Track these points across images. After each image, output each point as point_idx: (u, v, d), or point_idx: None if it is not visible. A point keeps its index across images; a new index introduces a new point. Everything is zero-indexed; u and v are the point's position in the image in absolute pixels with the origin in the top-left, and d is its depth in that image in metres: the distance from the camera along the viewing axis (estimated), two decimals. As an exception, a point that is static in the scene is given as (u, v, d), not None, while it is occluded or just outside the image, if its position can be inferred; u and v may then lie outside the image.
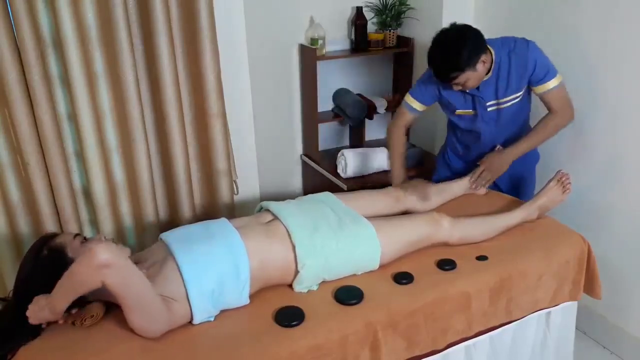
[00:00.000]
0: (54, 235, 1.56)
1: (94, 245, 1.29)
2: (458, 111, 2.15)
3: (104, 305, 1.51)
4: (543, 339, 1.96)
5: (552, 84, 2.01)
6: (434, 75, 1.96)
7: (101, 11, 1.92)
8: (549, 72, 2.01)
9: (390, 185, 2.16)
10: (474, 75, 1.93)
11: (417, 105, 2.17)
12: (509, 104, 2.08)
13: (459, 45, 1.85)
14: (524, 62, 1.98)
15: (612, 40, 2.10)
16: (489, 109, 2.10)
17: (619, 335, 2.31)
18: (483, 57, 1.91)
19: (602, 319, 2.36)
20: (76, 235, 1.55)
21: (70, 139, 2.10)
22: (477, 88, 2.04)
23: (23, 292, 1.46)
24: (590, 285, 1.94)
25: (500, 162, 2.12)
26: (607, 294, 2.02)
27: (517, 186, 2.33)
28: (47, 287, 1.40)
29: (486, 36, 1.94)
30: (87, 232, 2.23)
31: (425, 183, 2.13)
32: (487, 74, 2.00)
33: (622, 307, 2.28)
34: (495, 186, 2.30)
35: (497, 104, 2.09)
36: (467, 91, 2.04)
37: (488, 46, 1.96)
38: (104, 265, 1.28)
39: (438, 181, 2.36)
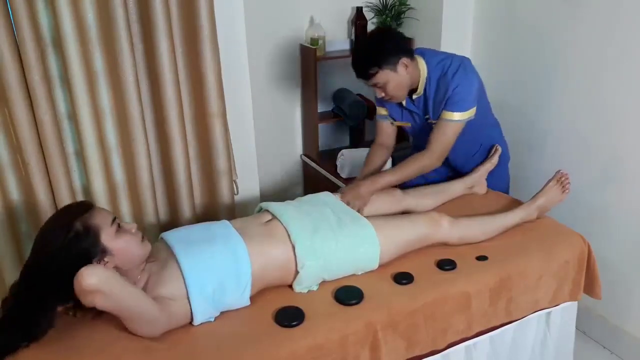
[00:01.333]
0: (87, 207, 1.46)
1: (83, 269, 1.27)
2: (396, 122, 2.16)
3: None
4: (543, 339, 1.96)
5: (456, 116, 1.92)
6: (356, 76, 1.94)
7: (101, 11, 1.91)
8: (457, 104, 1.91)
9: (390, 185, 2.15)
10: (395, 78, 1.89)
11: (384, 112, 2.15)
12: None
13: (378, 41, 1.87)
14: (446, 88, 1.93)
15: (612, 40, 2.11)
16: (427, 121, 2.08)
17: (619, 335, 2.31)
18: (405, 60, 1.88)
19: (602, 319, 2.36)
20: (113, 219, 1.46)
21: (70, 138, 2.10)
22: (413, 102, 2.03)
23: (42, 267, 1.38)
24: (590, 285, 1.94)
25: (362, 191, 1.94)
26: (607, 294, 2.02)
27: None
28: (69, 267, 1.34)
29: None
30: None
31: (358, 190, 1.96)
32: (416, 90, 1.98)
33: (622, 307, 2.28)
34: None
35: (430, 119, 2.07)
36: (403, 104, 2.04)
37: (418, 56, 1.95)
38: (90, 291, 1.28)
39: (410, 186, 2.32)
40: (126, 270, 1.47)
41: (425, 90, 2.00)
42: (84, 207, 1.46)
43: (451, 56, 1.98)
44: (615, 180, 2.21)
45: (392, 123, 2.18)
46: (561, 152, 2.36)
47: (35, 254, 1.42)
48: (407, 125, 2.15)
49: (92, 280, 1.27)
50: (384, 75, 1.89)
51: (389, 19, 2.89)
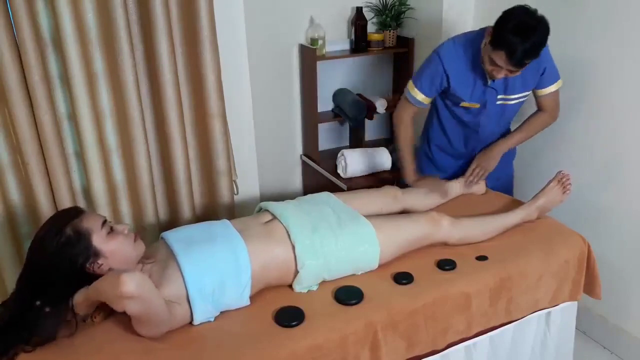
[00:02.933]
0: (77, 213, 1.48)
1: (123, 275, 1.28)
2: (464, 103, 2.10)
3: None
4: (543, 339, 1.96)
5: (553, 88, 2.07)
6: (505, 60, 1.81)
7: (101, 11, 1.92)
8: (554, 77, 2.05)
9: (389, 184, 2.15)
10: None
11: (422, 98, 2.09)
12: (515, 101, 2.09)
13: (543, 36, 1.79)
14: (537, 64, 1.97)
15: (611, 40, 2.10)
16: (497, 102, 2.09)
17: (619, 335, 2.31)
18: None
19: (602, 319, 2.36)
20: (104, 222, 1.47)
21: (70, 139, 2.10)
22: (493, 80, 2.01)
23: (37, 274, 1.40)
24: (590, 285, 1.94)
25: (492, 156, 2.16)
26: (607, 294, 2.02)
27: (494, 179, 2.30)
28: (63, 273, 1.38)
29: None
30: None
31: (439, 180, 2.13)
32: None
33: (622, 307, 2.28)
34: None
35: (504, 99, 2.09)
36: (488, 83, 2.02)
37: None
38: (129, 297, 1.29)
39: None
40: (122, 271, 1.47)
41: None
42: (74, 213, 1.48)
43: None
44: (615, 180, 2.21)
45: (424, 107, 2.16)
46: (561, 152, 2.36)
47: (30, 262, 1.44)
48: (475, 106, 2.10)
49: (131, 286, 1.28)
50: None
51: (388, 19, 2.89)
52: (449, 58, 2.02)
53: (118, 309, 1.34)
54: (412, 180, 2.18)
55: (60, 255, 1.39)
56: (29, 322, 1.36)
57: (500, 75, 1.89)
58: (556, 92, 2.10)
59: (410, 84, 2.12)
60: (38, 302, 1.36)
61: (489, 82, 2.02)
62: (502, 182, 2.35)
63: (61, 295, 1.38)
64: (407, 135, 2.19)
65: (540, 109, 2.16)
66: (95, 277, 1.42)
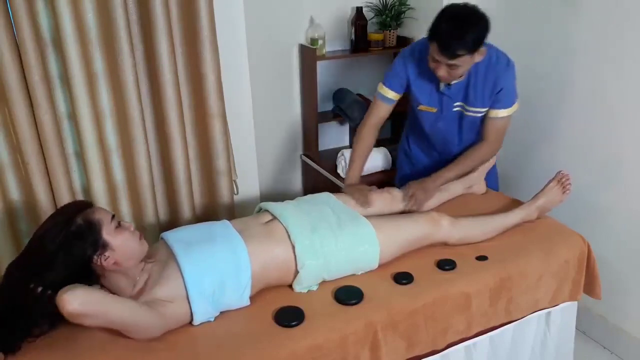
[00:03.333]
0: (87, 205, 1.49)
1: (65, 295, 1.25)
2: (421, 107, 2.12)
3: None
4: (543, 339, 1.96)
5: (503, 112, 2.01)
6: (436, 50, 1.82)
7: (101, 11, 1.91)
8: (508, 101, 1.99)
9: (389, 184, 2.16)
10: (467, 64, 1.86)
11: (391, 95, 2.10)
12: (472, 114, 2.06)
13: (475, 23, 1.78)
14: (494, 82, 1.95)
15: (611, 40, 2.11)
16: (453, 109, 2.08)
17: (619, 335, 2.31)
18: (482, 49, 1.85)
19: (602, 319, 2.36)
20: (113, 216, 1.48)
21: (70, 139, 2.10)
22: (449, 87, 2.01)
23: (41, 261, 1.38)
24: (590, 285, 1.94)
25: (426, 188, 2.03)
26: (607, 294, 2.02)
27: None
28: (70, 261, 1.37)
29: (488, 37, 1.93)
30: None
31: (365, 190, 2.01)
32: (461, 75, 1.95)
33: (622, 307, 2.28)
34: None
35: (463, 107, 2.07)
36: (440, 88, 2.02)
37: None
38: (74, 315, 1.28)
39: (403, 178, 2.33)
40: (126, 268, 1.47)
41: (469, 76, 1.98)
42: (84, 205, 1.49)
43: (495, 47, 1.99)
44: (615, 180, 2.21)
45: (392, 106, 2.14)
46: (561, 153, 2.36)
47: (33, 250, 1.42)
48: (432, 110, 2.11)
49: (74, 305, 1.26)
50: (465, 60, 1.82)
51: (388, 19, 2.89)
52: (410, 59, 2.05)
53: (77, 323, 1.31)
54: (346, 185, 2.12)
55: (70, 244, 1.39)
56: (31, 309, 1.36)
57: (441, 71, 1.88)
58: (505, 120, 2.02)
59: (380, 85, 2.13)
60: (40, 288, 1.36)
61: (442, 86, 2.02)
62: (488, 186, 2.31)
63: (63, 283, 1.35)
64: (365, 141, 2.16)
65: (483, 134, 2.08)
66: (98, 269, 1.43)
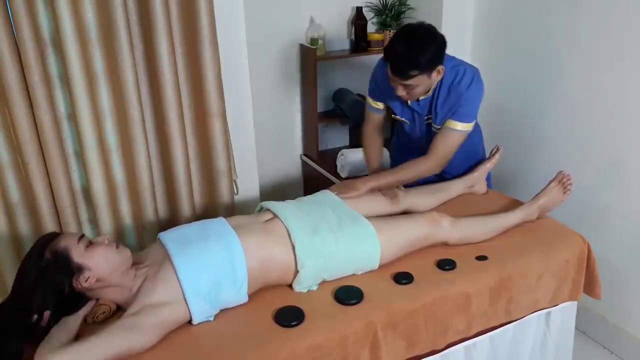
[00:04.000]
0: (54, 236, 1.50)
1: (36, 355, 1.27)
2: (395, 117, 2.16)
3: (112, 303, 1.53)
4: (543, 339, 1.96)
5: (457, 125, 1.94)
6: (389, 70, 1.84)
7: (101, 11, 1.91)
8: (465, 116, 1.94)
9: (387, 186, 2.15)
10: (425, 83, 1.86)
11: (378, 105, 2.15)
12: (435, 129, 2.06)
13: (426, 43, 1.78)
14: (456, 101, 1.94)
15: (611, 40, 2.11)
16: (425, 122, 2.09)
17: (619, 335, 2.31)
18: (440, 67, 1.85)
19: (602, 319, 2.36)
20: (80, 237, 1.49)
21: (70, 139, 2.10)
22: (418, 102, 2.01)
23: (23, 302, 1.40)
24: (590, 285, 1.94)
25: (358, 184, 1.96)
26: (607, 294, 2.02)
27: (466, 162, 2.26)
28: (50, 296, 1.39)
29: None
30: (87, 231, 2.23)
31: (354, 181, 2.00)
32: (427, 91, 1.96)
33: (622, 307, 2.28)
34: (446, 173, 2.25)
35: (431, 123, 2.07)
36: (408, 103, 2.02)
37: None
38: None
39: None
40: (113, 281, 1.48)
41: (434, 93, 1.99)
42: (50, 237, 1.49)
43: (464, 64, 1.97)
44: (615, 180, 2.21)
45: (383, 114, 2.19)
46: (561, 153, 2.36)
47: (16, 291, 1.44)
48: (406, 122, 2.16)
49: None
50: (420, 79, 1.83)
51: (388, 18, 2.89)
52: (377, 75, 2.10)
53: None
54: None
55: (45, 279, 1.40)
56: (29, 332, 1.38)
57: (400, 91, 1.89)
58: (458, 136, 1.95)
59: (367, 96, 2.19)
60: (35, 317, 1.38)
61: (410, 102, 2.03)
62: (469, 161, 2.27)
63: (57, 310, 1.41)
64: (373, 147, 2.20)
65: (430, 149, 1.99)
66: (86, 292, 1.45)
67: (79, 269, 1.43)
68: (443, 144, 1.97)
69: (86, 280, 1.44)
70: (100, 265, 1.45)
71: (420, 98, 2.01)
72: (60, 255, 1.43)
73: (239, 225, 1.68)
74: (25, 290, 1.41)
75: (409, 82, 1.83)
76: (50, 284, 1.40)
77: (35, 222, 2.06)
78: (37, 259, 1.43)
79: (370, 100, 2.17)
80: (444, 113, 1.99)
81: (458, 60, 1.99)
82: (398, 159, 2.37)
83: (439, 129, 2.03)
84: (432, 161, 1.99)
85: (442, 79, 1.93)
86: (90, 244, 1.49)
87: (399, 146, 2.41)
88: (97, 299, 1.50)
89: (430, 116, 2.07)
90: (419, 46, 1.77)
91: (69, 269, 1.42)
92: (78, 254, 1.44)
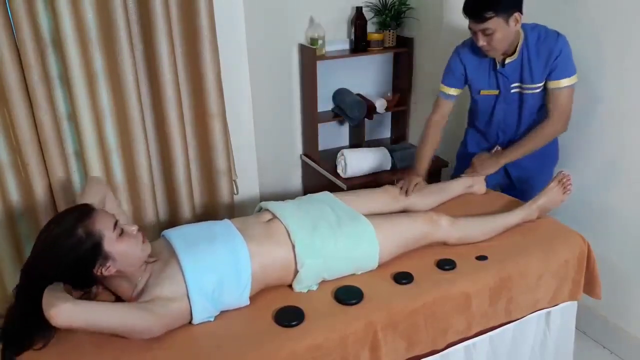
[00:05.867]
0: (90, 210, 1.44)
1: (50, 311, 1.26)
2: (483, 91, 2.17)
3: (112, 294, 1.53)
4: (543, 339, 1.96)
5: (564, 82, 2.01)
6: (467, 15, 1.90)
7: (101, 11, 1.92)
8: (567, 70, 2.00)
9: (389, 184, 2.15)
10: (504, 31, 1.89)
11: (452, 92, 2.19)
12: (531, 91, 2.08)
13: None
14: (549, 53, 1.98)
15: (611, 40, 2.10)
16: (512, 91, 2.11)
17: (619, 335, 2.31)
18: (517, 15, 1.88)
19: (602, 319, 2.36)
20: (115, 223, 1.45)
21: (70, 139, 2.11)
22: (503, 66, 2.04)
23: (44, 272, 1.38)
24: (590, 285, 1.94)
25: (491, 163, 2.14)
26: (607, 294, 2.02)
27: (530, 185, 2.27)
28: (72, 273, 1.39)
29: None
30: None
31: (417, 180, 2.09)
32: (513, 53, 2.00)
33: (622, 307, 2.28)
34: (509, 182, 2.31)
35: (520, 87, 2.09)
36: (497, 69, 2.05)
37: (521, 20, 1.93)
38: (64, 327, 1.29)
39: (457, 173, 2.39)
40: (128, 273, 1.48)
41: (522, 54, 2.01)
42: (86, 212, 1.45)
43: (543, 26, 2.02)
44: (615, 180, 2.21)
45: (454, 101, 2.21)
46: (561, 153, 2.36)
47: (36, 260, 1.42)
48: (494, 93, 2.15)
49: (59, 321, 1.27)
50: (497, 23, 1.85)
51: (388, 18, 2.89)
52: (464, 51, 2.14)
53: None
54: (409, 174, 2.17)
55: (70, 257, 1.38)
56: (40, 319, 1.35)
57: (481, 40, 1.93)
58: (567, 91, 2.01)
59: (440, 85, 2.22)
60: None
61: (498, 66, 2.07)
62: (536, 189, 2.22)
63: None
64: (430, 142, 2.23)
65: (547, 110, 2.06)
66: (99, 277, 1.44)
67: (106, 258, 1.41)
68: (558, 104, 2.03)
69: (107, 269, 1.42)
70: (124, 259, 1.44)
71: (507, 61, 2.03)
72: (93, 239, 1.39)
73: (242, 227, 1.68)
74: (48, 261, 1.38)
75: (485, 25, 1.86)
76: (75, 262, 1.38)
77: (35, 222, 2.06)
78: (69, 233, 1.38)
79: (447, 88, 2.19)
80: (540, 71, 2.01)
81: (533, 24, 2.02)
82: (462, 167, 2.36)
83: (536, 90, 2.06)
84: (555, 121, 2.05)
85: (526, 39, 1.98)
86: (122, 232, 1.46)
87: (470, 143, 2.39)
88: (103, 287, 1.51)
89: (517, 84, 2.08)
90: None
91: (97, 255, 1.40)
92: (110, 243, 1.41)
